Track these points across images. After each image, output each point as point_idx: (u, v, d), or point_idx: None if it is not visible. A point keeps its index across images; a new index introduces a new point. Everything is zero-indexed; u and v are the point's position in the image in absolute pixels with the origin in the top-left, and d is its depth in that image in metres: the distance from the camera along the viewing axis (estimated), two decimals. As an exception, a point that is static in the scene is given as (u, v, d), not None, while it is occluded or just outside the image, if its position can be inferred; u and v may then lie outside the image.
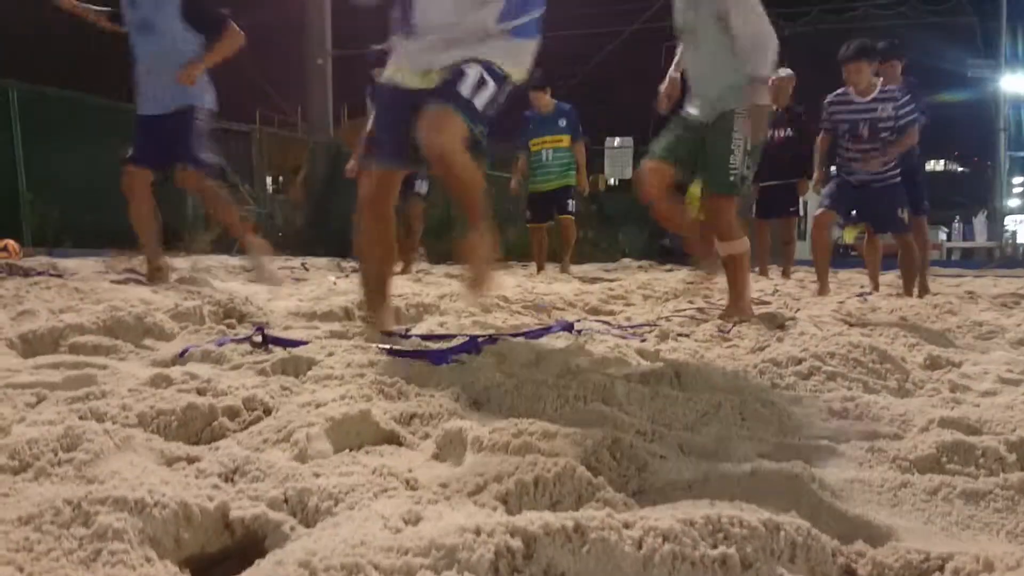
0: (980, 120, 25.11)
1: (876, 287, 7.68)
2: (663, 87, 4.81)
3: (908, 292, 7.07)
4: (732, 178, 4.47)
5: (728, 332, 3.59)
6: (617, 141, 24.67)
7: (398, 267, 8.22)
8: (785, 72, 9.78)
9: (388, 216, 3.33)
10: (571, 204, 9.72)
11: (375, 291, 3.36)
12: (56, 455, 1.22)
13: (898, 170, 6.72)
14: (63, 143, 10.26)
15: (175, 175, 5.58)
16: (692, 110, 4.60)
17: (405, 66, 3.21)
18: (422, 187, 8.74)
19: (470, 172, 3.02)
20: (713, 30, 4.38)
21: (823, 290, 6.98)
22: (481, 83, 3.05)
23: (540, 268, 9.67)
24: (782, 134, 9.10)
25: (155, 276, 5.42)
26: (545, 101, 9.54)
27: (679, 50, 4.81)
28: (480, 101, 3.04)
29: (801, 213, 10.59)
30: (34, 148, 9.96)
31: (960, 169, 48.17)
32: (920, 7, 22.45)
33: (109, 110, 10.86)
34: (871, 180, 6.66)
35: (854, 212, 7.01)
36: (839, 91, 6.89)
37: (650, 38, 25.64)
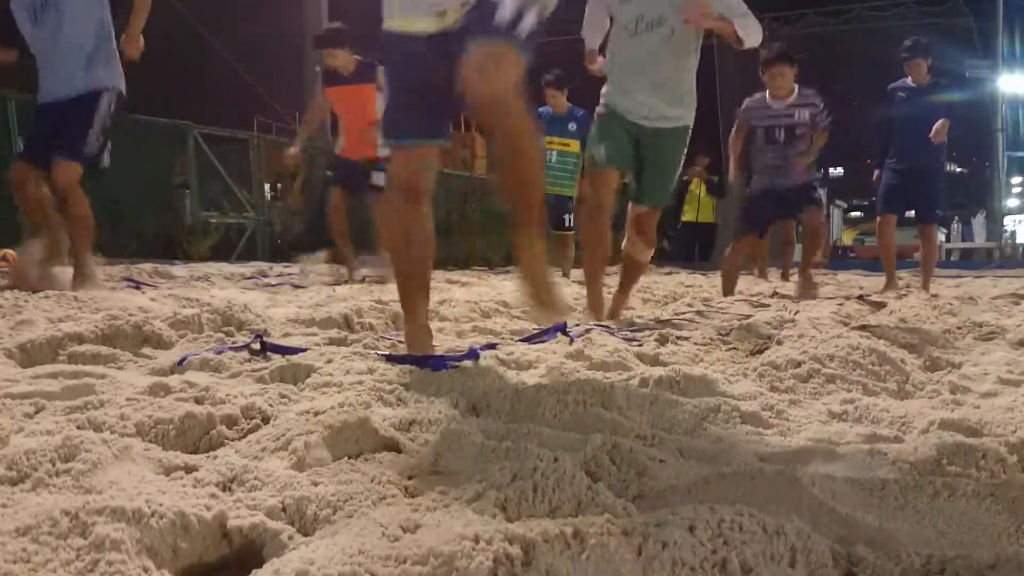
0: (978, 121, 25.10)
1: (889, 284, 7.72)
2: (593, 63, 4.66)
3: (804, 269, 7.17)
4: (671, 191, 4.58)
5: (727, 335, 3.59)
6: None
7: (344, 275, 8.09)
8: None
9: (424, 203, 2.70)
10: (568, 219, 9.52)
11: (413, 300, 2.78)
12: (54, 465, 1.21)
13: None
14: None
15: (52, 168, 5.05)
16: (636, 109, 4.35)
17: (413, 9, 2.62)
18: (379, 179, 8.04)
19: (528, 126, 2.48)
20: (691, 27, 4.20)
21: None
22: (519, 8, 2.46)
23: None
24: None
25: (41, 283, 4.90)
26: (560, 101, 9.36)
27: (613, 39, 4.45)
28: (524, 28, 2.45)
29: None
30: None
31: (959, 169, 48.23)
32: (916, 8, 22.47)
33: (107, 119, 10.84)
34: (788, 186, 6.76)
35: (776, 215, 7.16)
36: (757, 96, 6.96)
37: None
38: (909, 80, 7.60)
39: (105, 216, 10.72)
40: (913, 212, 7.88)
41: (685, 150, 4.49)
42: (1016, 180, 34.06)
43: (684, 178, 18.14)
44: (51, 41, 5.17)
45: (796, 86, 6.71)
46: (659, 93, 4.30)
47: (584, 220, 4.90)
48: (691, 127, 4.44)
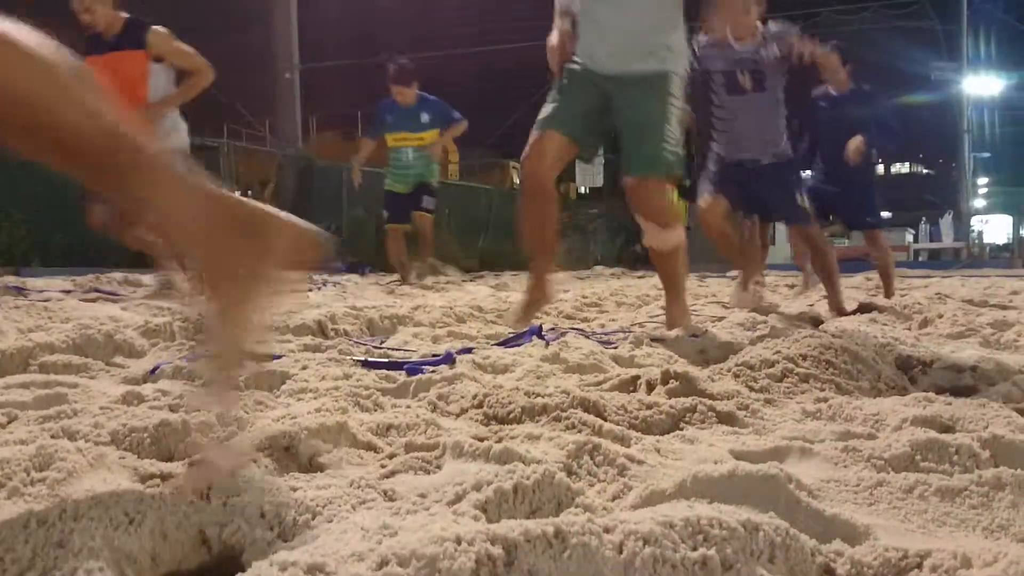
0: (944, 122, 25.44)
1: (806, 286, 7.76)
2: (554, 42, 3.77)
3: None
4: (668, 154, 3.59)
5: (700, 337, 3.60)
6: (587, 149, 24.78)
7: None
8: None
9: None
10: (427, 200, 8.74)
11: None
12: (28, 474, 1.20)
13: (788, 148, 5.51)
14: (30, 162, 10.14)
15: None
16: (597, 55, 3.65)
17: None
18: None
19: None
20: None
21: (747, 280, 6.00)
22: None
23: (404, 279, 8.55)
24: None
25: None
26: (408, 95, 8.51)
27: None
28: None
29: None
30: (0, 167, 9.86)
31: (926, 171, 48.90)
32: (883, 12, 22.73)
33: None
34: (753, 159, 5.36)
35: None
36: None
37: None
38: (830, 88, 6.94)
39: (73, 225, 10.67)
40: (847, 222, 7.46)
41: (672, 99, 3.62)
42: (982, 181, 34.57)
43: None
44: None
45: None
46: (638, 40, 3.57)
47: (521, 207, 3.82)
48: (674, 75, 3.64)
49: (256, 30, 18.60)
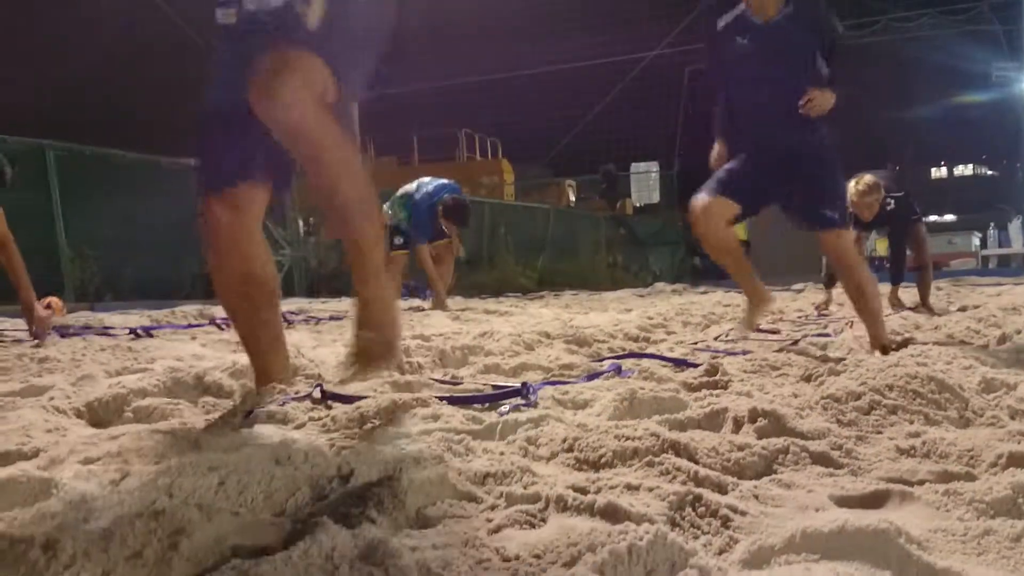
0: (1007, 123, 24.98)
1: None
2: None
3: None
4: None
5: (774, 359, 3.58)
6: (642, 166, 24.96)
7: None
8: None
9: None
10: None
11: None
12: (160, 541, 1.25)
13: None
14: (100, 199, 10.47)
15: None
16: None
17: None
18: None
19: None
20: None
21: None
22: None
23: None
24: None
25: None
26: None
27: None
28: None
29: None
30: (72, 205, 10.17)
31: (989, 172, 47.86)
32: (942, 17, 22.45)
33: (144, 165, 11.09)
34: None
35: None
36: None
37: (671, 64, 25.96)
38: (749, 13, 4.25)
39: (145, 259, 10.95)
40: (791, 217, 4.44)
41: None
42: (1048, 181, 33.72)
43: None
44: None
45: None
46: None
47: None
48: None
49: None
